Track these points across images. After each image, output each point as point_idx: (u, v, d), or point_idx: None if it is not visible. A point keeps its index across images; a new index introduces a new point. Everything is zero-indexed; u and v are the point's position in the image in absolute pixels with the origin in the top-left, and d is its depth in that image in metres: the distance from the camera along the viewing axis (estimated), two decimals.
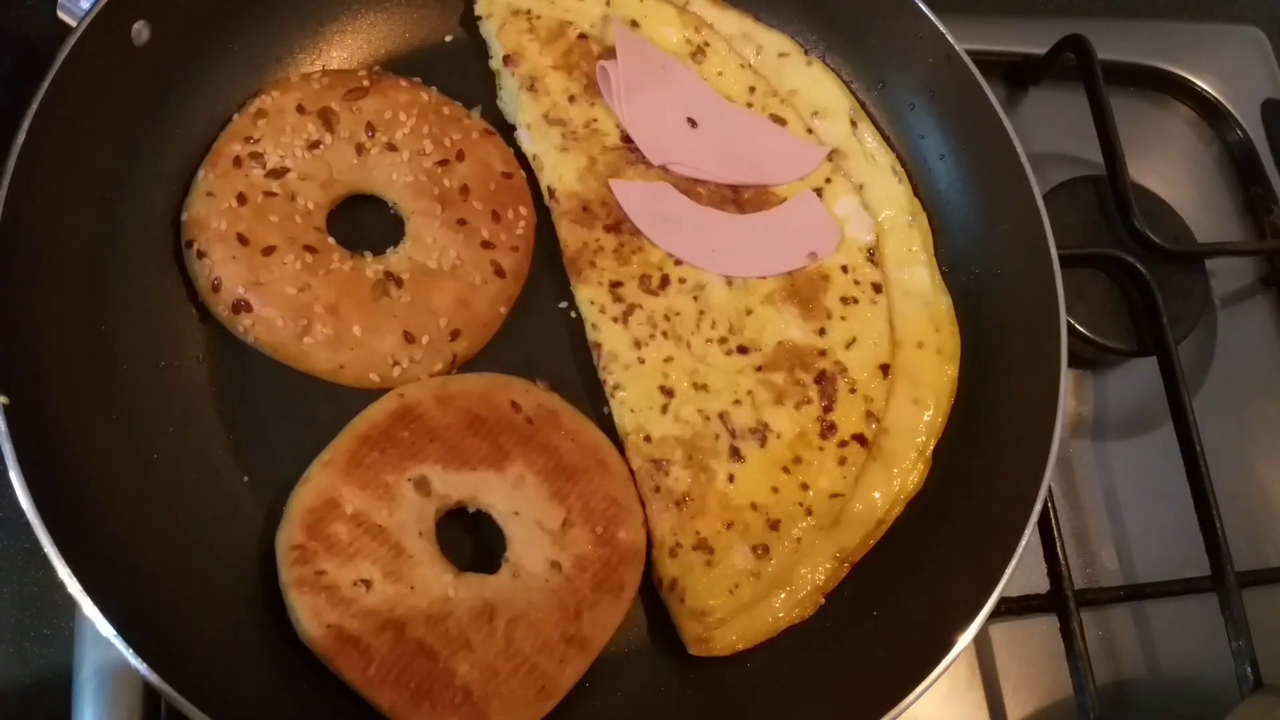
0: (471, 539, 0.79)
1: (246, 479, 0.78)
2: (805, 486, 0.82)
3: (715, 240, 0.89)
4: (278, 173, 0.82)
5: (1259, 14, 1.27)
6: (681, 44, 0.95)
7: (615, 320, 0.85)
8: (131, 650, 0.63)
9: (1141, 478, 1.01)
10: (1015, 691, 0.92)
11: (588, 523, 0.76)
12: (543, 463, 0.77)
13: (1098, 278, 1.03)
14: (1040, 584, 0.90)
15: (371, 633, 0.69)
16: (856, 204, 0.92)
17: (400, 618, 0.70)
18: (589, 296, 0.85)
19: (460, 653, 0.70)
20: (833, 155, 0.94)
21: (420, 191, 0.84)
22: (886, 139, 0.96)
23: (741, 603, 0.78)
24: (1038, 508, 0.78)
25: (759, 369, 0.85)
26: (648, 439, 0.82)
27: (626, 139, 0.91)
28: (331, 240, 0.82)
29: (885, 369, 0.87)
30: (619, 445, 0.82)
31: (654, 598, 0.80)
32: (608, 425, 0.83)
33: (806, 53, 0.97)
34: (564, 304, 0.88)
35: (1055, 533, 0.89)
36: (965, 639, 0.74)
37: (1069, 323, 0.85)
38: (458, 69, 0.93)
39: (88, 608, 0.63)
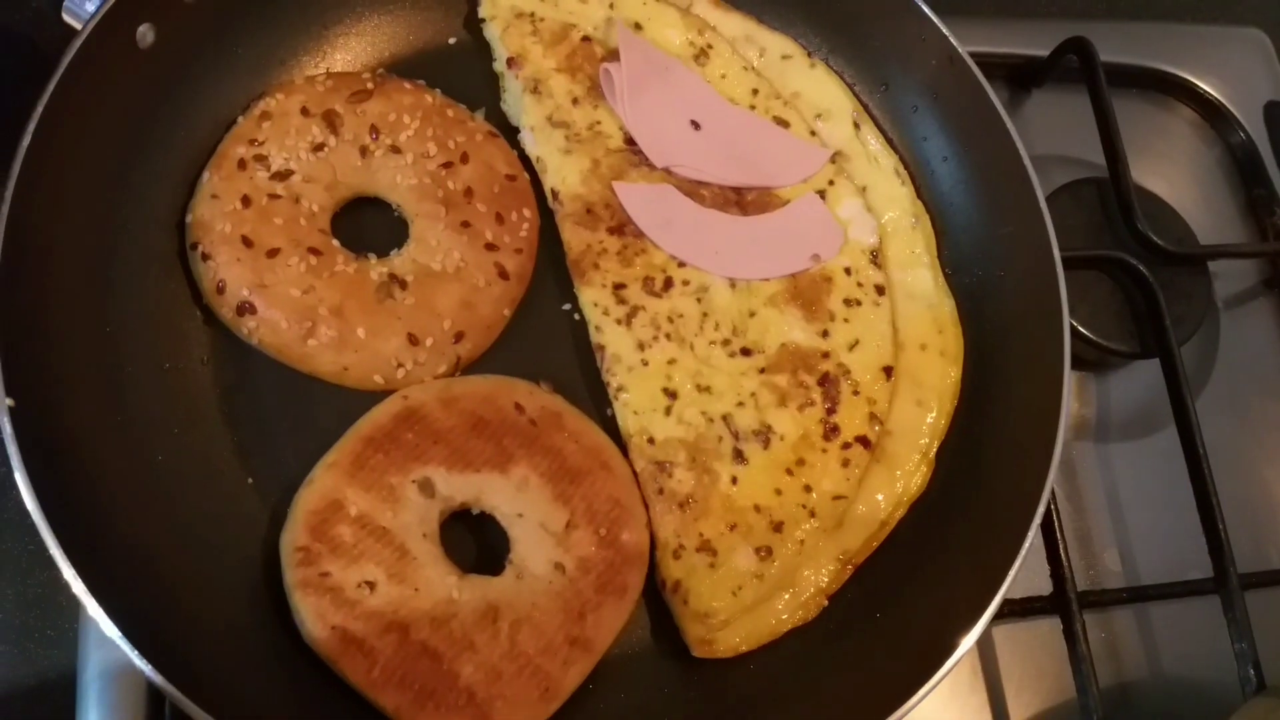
0: (475, 541, 0.79)
1: (251, 480, 0.78)
2: (808, 488, 0.82)
3: (718, 242, 0.89)
4: (282, 175, 0.82)
5: (1261, 16, 1.27)
6: (685, 46, 0.95)
7: (619, 322, 0.85)
8: (136, 651, 0.63)
9: (1144, 480, 1.01)
10: (1018, 693, 0.92)
11: (591, 524, 0.76)
12: (546, 465, 0.77)
13: (1101, 280, 1.03)
14: (1043, 586, 0.90)
15: (376, 634, 0.69)
16: (859, 206, 0.93)
17: (404, 619, 0.70)
18: (592, 298, 0.85)
19: (464, 654, 0.70)
20: (836, 157, 0.94)
21: (424, 194, 0.84)
22: (889, 141, 0.96)
23: (745, 605, 0.78)
24: (1041, 510, 0.78)
25: (762, 371, 0.85)
26: (651, 441, 0.82)
27: (630, 141, 0.91)
28: (336, 242, 0.82)
29: (888, 371, 0.87)
30: (622, 447, 0.82)
31: (657, 599, 0.80)
32: (611, 427, 0.83)
33: (809, 55, 0.97)
34: (567, 306, 0.88)
35: (1058, 534, 0.89)
36: (968, 641, 0.74)
37: (1072, 325, 0.85)
38: (461, 71, 0.93)
39: (92, 609, 0.64)
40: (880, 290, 0.90)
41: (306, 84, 0.86)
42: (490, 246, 0.84)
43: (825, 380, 0.86)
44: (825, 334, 0.87)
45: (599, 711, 0.76)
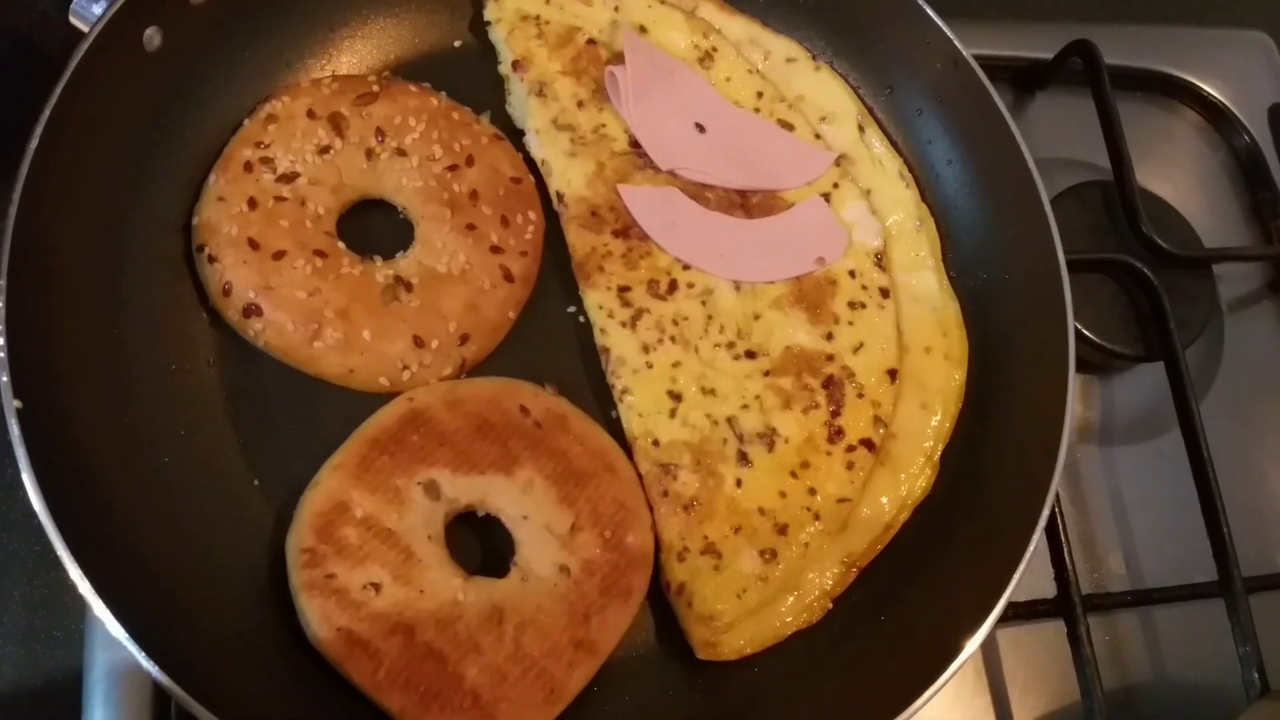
0: (480, 543, 0.79)
1: (257, 482, 0.78)
2: (813, 491, 0.82)
3: (723, 245, 0.89)
4: (288, 177, 0.82)
5: (1266, 19, 1.27)
6: (689, 49, 0.96)
7: (623, 325, 0.85)
8: (142, 652, 0.63)
9: (1149, 483, 1.01)
10: (1022, 696, 0.92)
11: (596, 527, 0.76)
12: (551, 467, 0.77)
13: (1105, 283, 1.03)
14: (1047, 589, 0.90)
15: (381, 636, 0.70)
16: (864, 209, 0.93)
17: (410, 621, 0.70)
18: (597, 301, 0.86)
19: (469, 656, 0.70)
20: (840, 160, 0.94)
21: (430, 196, 0.85)
22: (894, 144, 0.96)
23: (749, 607, 0.78)
24: (1045, 513, 0.78)
25: (767, 374, 0.85)
26: (656, 443, 0.82)
27: (635, 144, 0.91)
28: (341, 245, 0.82)
29: (893, 374, 0.87)
30: (627, 449, 0.82)
31: (662, 602, 0.80)
32: (616, 429, 0.83)
33: (814, 58, 0.97)
34: (572, 308, 0.88)
35: (1062, 538, 0.89)
36: (973, 644, 0.74)
37: (1076, 328, 0.85)
38: (467, 74, 0.93)
39: (99, 609, 0.64)
40: (885, 293, 0.90)
41: (312, 87, 0.86)
42: (495, 249, 0.84)
43: (830, 383, 0.86)
44: (830, 337, 0.87)
45: (603, 714, 0.76)
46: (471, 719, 0.69)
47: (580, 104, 0.91)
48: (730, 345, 0.86)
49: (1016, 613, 0.90)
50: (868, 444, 0.84)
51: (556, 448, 0.78)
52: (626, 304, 0.86)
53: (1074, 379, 0.82)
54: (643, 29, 0.95)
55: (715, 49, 0.96)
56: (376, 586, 0.71)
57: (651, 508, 0.80)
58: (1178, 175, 1.17)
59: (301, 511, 0.73)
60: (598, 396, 0.85)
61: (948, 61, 0.92)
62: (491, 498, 0.77)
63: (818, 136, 0.95)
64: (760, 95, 0.96)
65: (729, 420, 0.83)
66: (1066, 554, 0.89)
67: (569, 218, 0.88)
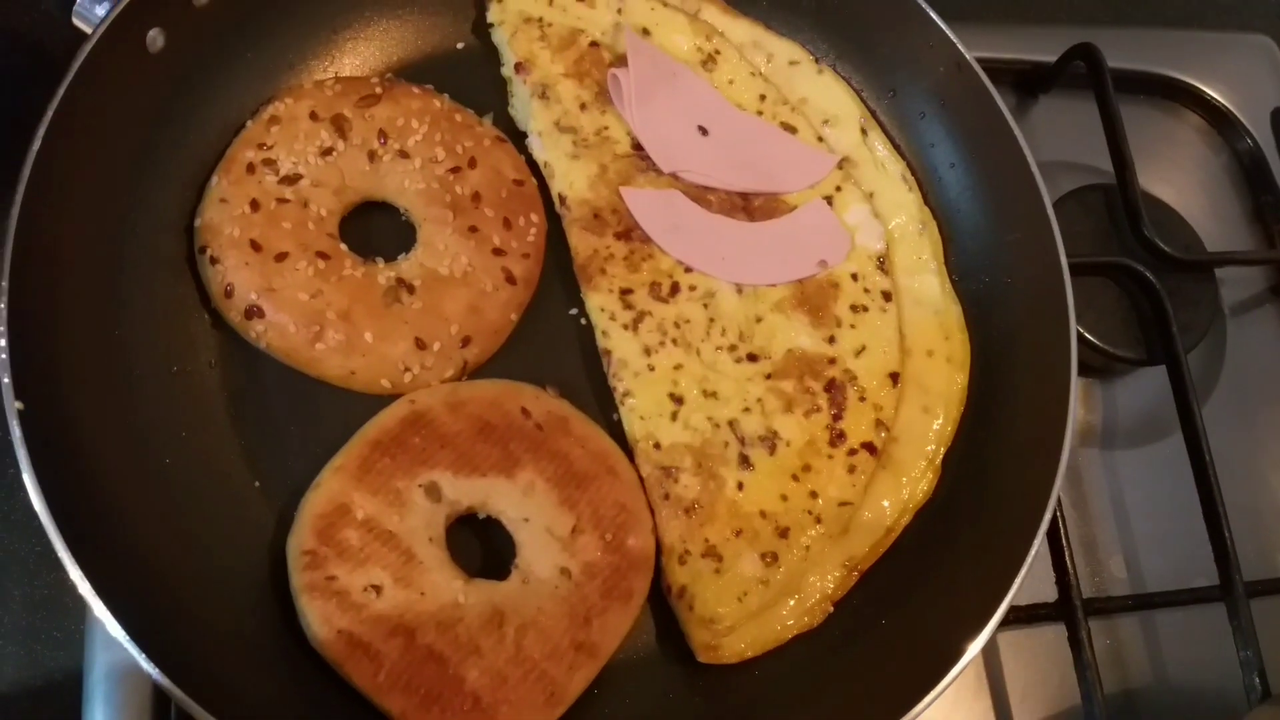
0: (481, 545, 0.79)
1: (258, 484, 0.78)
2: (814, 494, 0.82)
3: (725, 248, 0.89)
4: (291, 179, 0.82)
5: (1269, 22, 1.27)
6: (693, 52, 0.95)
7: (625, 327, 0.85)
8: (142, 653, 0.63)
9: (1150, 487, 1.01)
10: (1023, 700, 0.91)
11: (597, 529, 0.76)
12: (553, 469, 0.77)
13: (1107, 286, 1.03)
14: (1049, 593, 0.90)
15: (381, 638, 0.70)
16: (866, 212, 0.93)
17: (410, 623, 0.70)
18: (599, 303, 0.86)
19: (470, 659, 0.70)
20: (843, 163, 0.94)
21: (432, 198, 0.85)
22: (897, 147, 0.96)
23: (750, 610, 0.78)
24: (1047, 516, 0.78)
25: (768, 377, 0.85)
26: (657, 446, 0.82)
27: (637, 146, 0.91)
28: (344, 247, 0.82)
29: (895, 377, 0.87)
30: (628, 452, 0.82)
31: (663, 605, 0.80)
32: (617, 432, 0.83)
33: (817, 61, 0.97)
34: (574, 311, 0.88)
35: (1064, 541, 0.89)
36: (974, 648, 0.74)
37: (1078, 331, 0.85)
38: (470, 76, 0.93)
39: (99, 610, 0.64)
40: (887, 296, 0.90)
41: (315, 88, 0.86)
42: (497, 251, 0.84)
43: (831, 386, 0.86)
44: (832, 340, 0.87)
45: (604, 716, 0.76)
46: None
47: (583, 106, 0.91)
48: (732, 348, 0.86)
49: (1018, 616, 0.90)
50: (869, 447, 0.84)
51: (558, 450, 0.78)
52: (628, 306, 0.86)
53: (1076, 382, 0.82)
54: (645, 31, 0.95)
55: (718, 51, 0.96)
56: (377, 588, 0.71)
57: (653, 510, 0.80)
58: (1180, 179, 1.17)
59: (302, 513, 0.73)
60: (599, 399, 0.85)
61: (951, 65, 0.92)
62: (493, 500, 0.77)
63: (820, 139, 0.95)
64: (763, 98, 0.96)
65: (730, 423, 0.83)
66: (1068, 558, 0.89)
67: (571, 220, 0.88)
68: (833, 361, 0.86)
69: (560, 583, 0.75)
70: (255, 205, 0.81)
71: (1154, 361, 1.00)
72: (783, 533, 0.80)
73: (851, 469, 0.83)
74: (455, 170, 0.86)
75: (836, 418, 0.85)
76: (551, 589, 0.74)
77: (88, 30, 0.77)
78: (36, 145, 0.71)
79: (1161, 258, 1.02)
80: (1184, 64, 1.19)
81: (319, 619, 0.70)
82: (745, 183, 0.92)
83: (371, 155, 0.84)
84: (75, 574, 0.64)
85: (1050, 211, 0.87)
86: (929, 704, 0.72)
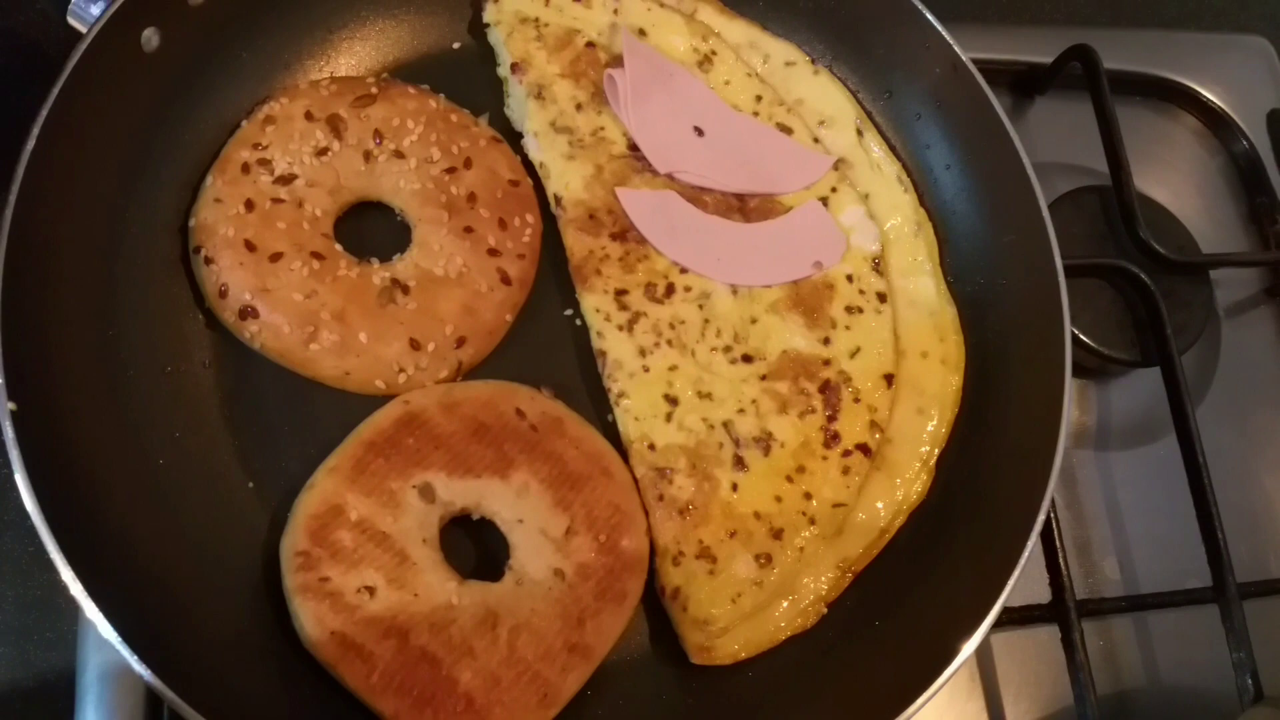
0: (475, 546, 0.79)
1: (251, 484, 0.78)
2: (809, 496, 0.82)
3: (721, 249, 0.89)
4: (285, 179, 0.82)
5: (1266, 24, 1.27)
6: (689, 52, 0.95)
7: (620, 328, 0.85)
8: (134, 655, 0.63)
9: (1144, 488, 1.01)
10: (1016, 701, 0.92)
11: (591, 531, 0.76)
12: (547, 470, 0.77)
13: (1102, 288, 1.03)
14: (1042, 594, 0.90)
15: (375, 639, 0.70)
16: (862, 213, 0.93)
17: (403, 625, 0.70)
18: (594, 304, 0.86)
19: (463, 660, 0.70)
20: (839, 164, 0.94)
21: (427, 199, 0.85)
22: (892, 148, 0.96)
23: (744, 612, 0.78)
24: (1041, 518, 0.78)
25: (763, 378, 0.85)
26: (652, 447, 0.82)
27: (633, 147, 0.91)
28: (338, 247, 0.82)
29: (889, 378, 0.87)
30: (623, 453, 0.82)
31: (656, 606, 0.80)
32: (612, 433, 0.83)
33: (813, 62, 0.97)
34: (569, 312, 0.88)
35: (1057, 543, 0.89)
36: (967, 649, 0.74)
37: (1073, 332, 0.85)
38: (465, 76, 0.93)
39: (91, 611, 0.64)
40: (882, 298, 0.90)
41: (310, 88, 0.86)
42: (493, 252, 0.84)
43: (826, 387, 0.86)
44: (826, 341, 0.87)
45: (597, 718, 0.76)
46: None
47: (579, 107, 0.91)
48: (727, 349, 0.86)
49: (1011, 618, 0.90)
50: (864, 449, 0.84)
51: (552, 451, 0.78)
52: (623, 307, 0.85)
53: (1070, 384, 0.83)
54: (642, 32, 0.95)
55: (714, 52, 0.96)
56: (371, 590, 0.71)
57: (647, 511, 0.80)
58: (1176, 180, 1.17)
59: (296, 514, 0.73)
60: (594, 400, 0.85)
61: (947, 66, 0.92)
62: (487, 501, 0.76)
63: (816, 140, 0.95)
64: (759, 99, 0.95)
65: (725, 424, 0.83)
66: (1061, 559, 0.89)
67: (567, 221, 0.88)
68: (827, 363, 0.87)
69: (554, 584, 0.75)
70: (250, 205, 0.80)
71: (1148, 363, 1.00)
72: (777, 534, 0.80)
73: (846, 470, 0.83)
74: (451, 170, 0.85)
75: (831, 419, 0.85)
76: (545, 590, 0.74)
77: (83, 29, 0.77)
78: (31, 145, 0.71)
79: (1156, 259, 1.02)
80: (1180, 66, 1.19)
81: (312, 620, 0.70)
82: (741, 184, 0.92)
83: (367, 155, 0.84)
84: (67, 575, 0.64)
85: (1045, 213, 0.87)
86: (923, 705, 0.72)
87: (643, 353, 0.84)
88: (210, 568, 0.73)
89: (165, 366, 0.79)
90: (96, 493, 0.71)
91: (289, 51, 0.89)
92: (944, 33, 0.92)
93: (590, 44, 0.93)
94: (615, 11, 0.95)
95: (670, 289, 0.87)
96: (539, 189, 0.90)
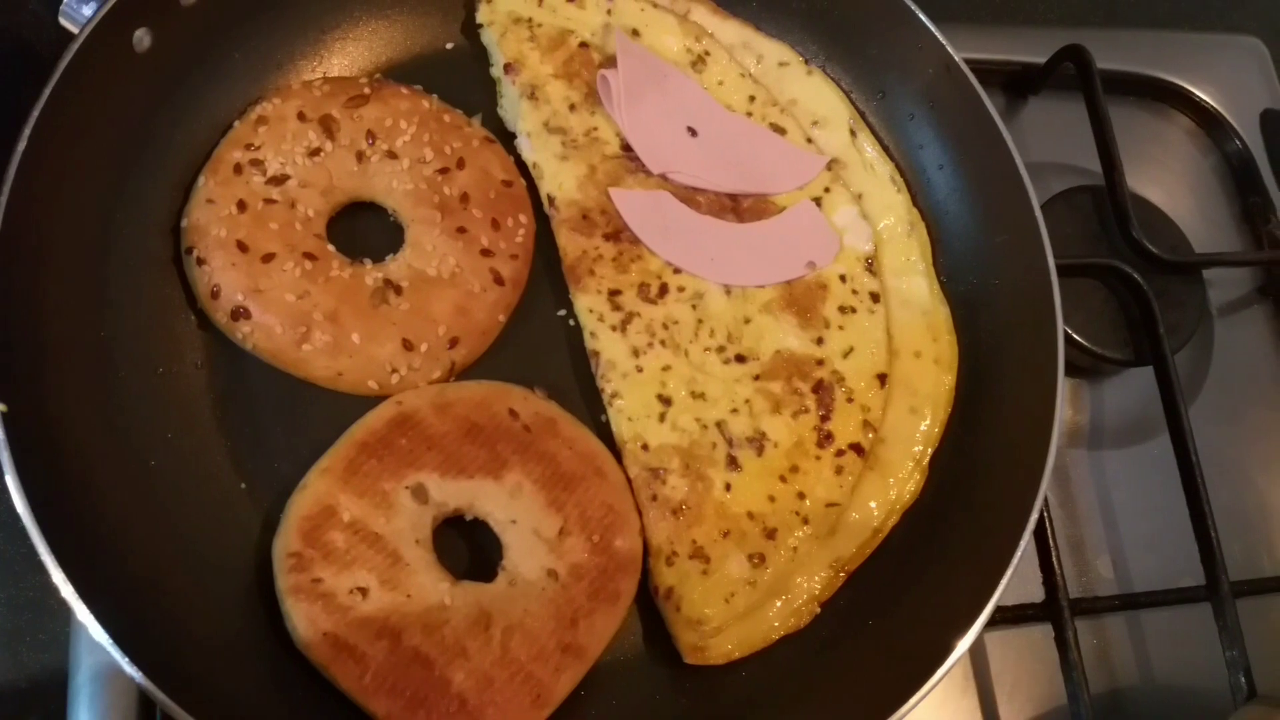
0: (468, 547, 0.79)
1: (244, 485, 0.78)
2: (802, 496, 0.82)
3: (714, 249, 0.89)
4: (278, 180, 0.82)
5: (1258, 24, 1.28)
6: (682, 53, 0.95)
7: (614, 328, 0.85)
8: (125, 656, 0.63)
9: (1137, 487, 1.01)
10: (1010, 700, 0.92)
11: (584, 531, 0.76)
12: (540, 471, 0.77)
13: (1095, 287, 1.03)
14: (1035, 593, 0.90)
15: (367, 640, 0.69)
16: (855, 213, 0.93)
17: (396, 625, 0.70)
18: (588, 305, 0.86)
19: (456, 661, 0.70)
20: (832, 164, 0.94)
21: (420, 199, 0.84)
22: (886, 148, 0.96)
23: (737, 612, 0.78)
24: (1034, 517, 0.78)
25: (757, 378, 0.85)
26: (645, 447, 0.82)
27: (626, 147, 0.91)
28: (331, 247, 0.82)
29: (882, 378, 0.87)
30: (616, 453, 0.82)
31: (650, 606, 0.80)
32: (605, 433, 0.83)
33: (807, 62, 0.97)
34: (563, 312, 0.88)
35: (1051, 542, 0.89)
36: (961, 648, 0.74)
37: (1066, 332, 0.85)
38: (458, 77, 0.93)
39: (82, 613, 0.64)
40: (875, 297, 0.90)
41: (303, 89, 0.86)
42: (486, 252, 0.84)
43: (819, 387, 0.86)
44: (820, 341, 0.87)
45: (591, 718, 0.76)
46: None
47: (572, 107, 0.91)
48: (720, 349, 0.86)
49: (1004, 617, 0.91)
50: (857, 448, 0.84)
51: (545, 451, 0.78)
52: (617, 308, 0.85)
53: (1063, 383, 0.83)
54: (635, 32, 0.95)
55: (708, 53, 0.96)
56: (363, 591, 0.71)
57: (640, 512, 0.80)
58: (1169, 180, 1.17)
59: (288, 515, 0.73)
60: (587, 400, 0.85)
61: (940, 66, 0.93)
62: (480, 502, 0.76)
63: (809, 141, 0.95)
64: (752, 99, 0.96)
65: (718, 424, 0.83)
66: (1054, 558, 0.89)
67: (560, 221, 0.88)
68: (821, 363, 0.87)
69: (547, 584, 0.75)
70: (242, 206, 0.80)
71: (1141, 362, 1.00)
72: (770, 534, 0.80)
73: (839, 470, 0.83)
74: (443, 171, 0.85)
75: (824, 419, 0.85)
76: (538, 591, 0.74)
77: (74, 30, 0.76)
78: (22, 145, 0.71)
79: (1149, 259, 1.02)
80: (1173, 66, 1.19)
81: (305, 621, 0.70)
82: (734, 184, 0.92)
83: (359, 156, 0.84)
84: (58, 577, 0.64)
85: (1038, 213, 0.87)
86: (916, 704, 0.72)
87: (636, 353, 0.84)
88: (202, 569, 0.73)
89: (157, 367, 0.79)
90: (88, 494, 0.71)
91: (281, 52, 0.89)
92: (937, 33, 0.92)
93: (583, 44, 0.93)
94: (608, 12, 0.95)
95: (664, 289, 0.87)
96: (532, 189, 0.90)
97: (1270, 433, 1.08)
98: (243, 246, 0.79)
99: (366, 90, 0.86)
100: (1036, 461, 0.80)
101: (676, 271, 0.88)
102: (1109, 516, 1.01)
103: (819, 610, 0.81)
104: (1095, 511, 1.00)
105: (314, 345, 0.78)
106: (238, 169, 0.81)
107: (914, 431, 0.87)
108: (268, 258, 0.79)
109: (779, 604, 0.80)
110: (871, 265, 0.91)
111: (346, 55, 0.92)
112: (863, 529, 0.83)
